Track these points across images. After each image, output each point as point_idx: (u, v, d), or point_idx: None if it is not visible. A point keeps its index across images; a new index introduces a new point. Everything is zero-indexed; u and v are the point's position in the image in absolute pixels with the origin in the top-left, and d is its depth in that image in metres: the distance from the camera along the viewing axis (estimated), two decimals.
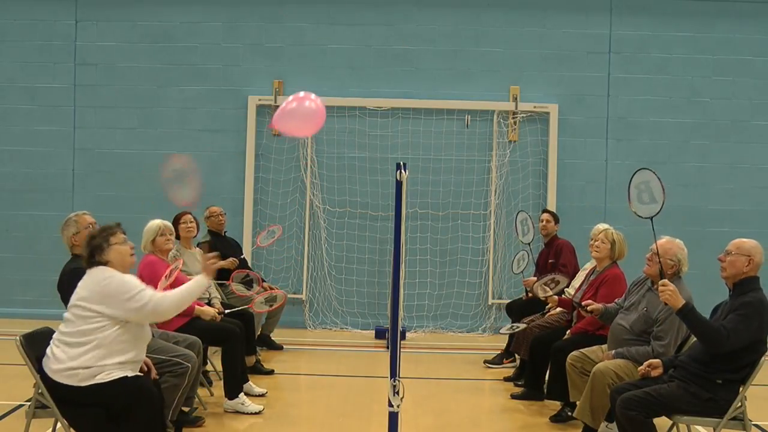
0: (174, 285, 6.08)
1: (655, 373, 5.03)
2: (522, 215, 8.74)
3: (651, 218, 4.98)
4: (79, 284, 4.61)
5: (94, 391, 4.45)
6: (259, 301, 7.30)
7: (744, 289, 4.84)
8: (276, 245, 9.28)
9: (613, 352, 5.61)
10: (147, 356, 4.91)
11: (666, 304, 4.90)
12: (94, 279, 4.58)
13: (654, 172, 5.03)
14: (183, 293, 4.74)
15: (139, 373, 4.65)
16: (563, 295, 7.14)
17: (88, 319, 4.48)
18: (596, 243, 6.58)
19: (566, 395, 6.15)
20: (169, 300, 4.65)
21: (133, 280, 4.61)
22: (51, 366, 4.50)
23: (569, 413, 6.28)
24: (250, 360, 7.64)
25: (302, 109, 4.24)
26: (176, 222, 7.54)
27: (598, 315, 6.00)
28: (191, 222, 7.65)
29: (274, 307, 7.62)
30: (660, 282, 4.89)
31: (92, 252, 4.65)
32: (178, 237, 7.39)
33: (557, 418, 6.36)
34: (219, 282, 7.88)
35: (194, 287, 4.79)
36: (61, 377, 4.46)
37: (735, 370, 4.81)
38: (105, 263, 4.64)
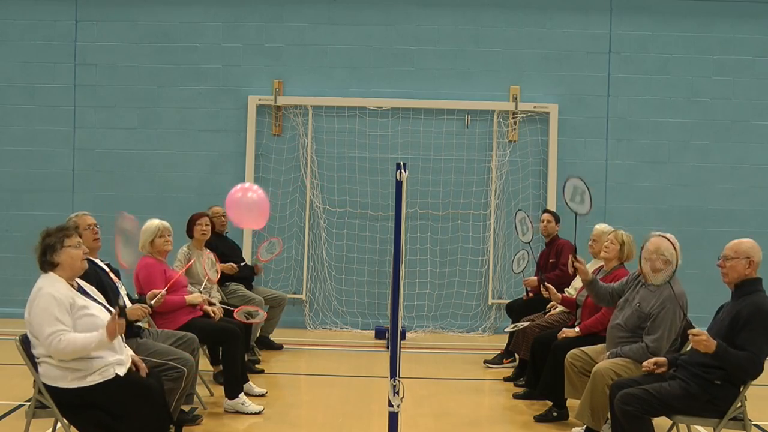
0: (173, 286, 6.10)
1: (659, 371, 5.02)
2: (520, 214, 8.74)
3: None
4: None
5: (87, 392, 4.45)
6: (241, 312, 7.12)
7: (745, 291, 4.80)
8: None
9: (608, 353, 5.60)
10: (143, 359, 4.92)
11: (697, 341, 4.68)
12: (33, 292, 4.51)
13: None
14: (85, 342, 4.40)
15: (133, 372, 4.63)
16: (565, 294, 7.14)
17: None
18: (606, 244, 6.54)
19: (559, 395, 6.12)
20: (73, 345, 4.37)
21: (54, 310, 4.41)
22: (40, 370, 4.51)
23: (555, 414, 6.25)
24: None
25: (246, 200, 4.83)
26: (192, 223, 7.54)
27: (587, 282, 5.88)
28: (207, 225, 7.61)
29: (249, 322, 7.31)
30: (690, 331, 4.69)
31: (44, 250, 4.56)
32: (191, 237, 7.50)
33: (542, 418, 6.32)
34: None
35: (97, 342, 4.41)
36: (51, 380, 4.47)
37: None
38: (55, 265, 4.55)
